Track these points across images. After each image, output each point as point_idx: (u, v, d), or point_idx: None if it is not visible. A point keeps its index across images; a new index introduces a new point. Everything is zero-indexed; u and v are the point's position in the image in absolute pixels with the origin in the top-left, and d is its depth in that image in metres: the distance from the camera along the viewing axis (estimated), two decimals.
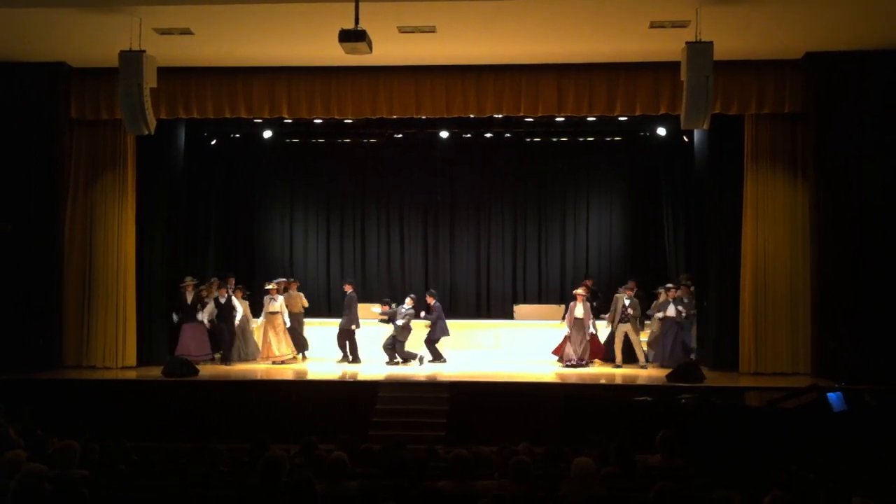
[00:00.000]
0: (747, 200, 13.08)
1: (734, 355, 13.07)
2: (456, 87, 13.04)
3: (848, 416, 8.57)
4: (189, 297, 14.01)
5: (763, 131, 13.06)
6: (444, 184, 17.72)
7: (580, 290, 14.00)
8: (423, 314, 14.47)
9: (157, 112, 11.85)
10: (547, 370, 13.54)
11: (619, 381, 12.89)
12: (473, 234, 17.85)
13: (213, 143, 16.57)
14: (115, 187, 13.60)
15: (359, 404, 11.65)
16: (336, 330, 14.50)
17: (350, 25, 9.39)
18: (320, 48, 11.67)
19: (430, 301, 14.45)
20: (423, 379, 12.73)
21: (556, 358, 14.08)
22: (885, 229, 12.22)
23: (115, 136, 13.55)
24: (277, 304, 14.38)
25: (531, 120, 14.99)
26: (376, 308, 14.59)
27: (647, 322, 14.35)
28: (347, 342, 14.37)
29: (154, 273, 14.02)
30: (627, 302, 13.91)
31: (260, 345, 14.73)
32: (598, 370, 13.62)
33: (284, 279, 15.16)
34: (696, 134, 14.28)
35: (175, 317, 14.06)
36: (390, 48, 11.70)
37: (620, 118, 14.29)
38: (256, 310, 14.95)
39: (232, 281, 14.75)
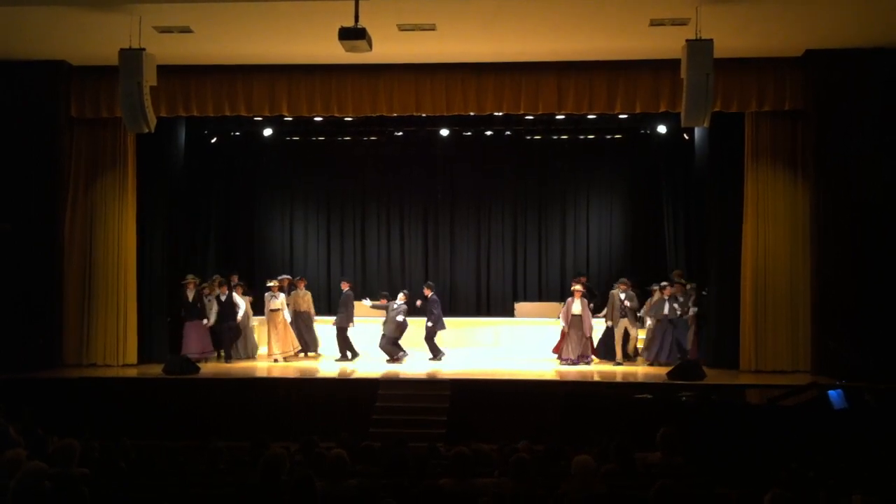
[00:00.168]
0: (748, 199, 13.08)
1: (734, 353, 13.07)
2: (456, 85, 13.04)
3: (848, 413, 8.57)
4: (191, 295, 14.01)
5: (763, 129, 13.05)
6: (445, 182, 17.72)
7: (578, 287, 13.98)
8: (418, 302, 14.45)
9: (157, 110, 11.85)
10: (547, 368, 13.53)
11: (619, 378, 12.89)
12: (474, 231, 17.86)
13: (214, 141, 16.58)
14: (116, 186, 13.61)
15: (359, 402, 11.65)
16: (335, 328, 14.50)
17: (350, 23, 9.39)
18: (320, 46, 11.67)
19: (428, 293, 14.43)
20: (423, 377, 12.73)
21: (557, 356, 14.08)
22: (885, 229, 12.22)
23: (116, 134, 13.55)
24: (279, 301, 14.39)
25: (531, 118, 15.00)
26: (367, 301, 14.59)
27: (642, 323, 14.30)
28: (341, 340, 14.35)
29: (154, 271, 14.03)
30: (623, 297, 13.90)
31: (260, 342, 14.71)
32: (598, 368, 13.61)
33: (287, 277, 15.15)
34: (697, 132, 14.29)
35: (168, 318, 14.02)
36: (390, 46, 11.70)
37: (621, 116, 14.32)
38: (257, 308, 14.95)
39: (234, 278, 14.75)
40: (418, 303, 14.57)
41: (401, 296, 14.30)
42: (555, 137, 16.73)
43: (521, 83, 12.96)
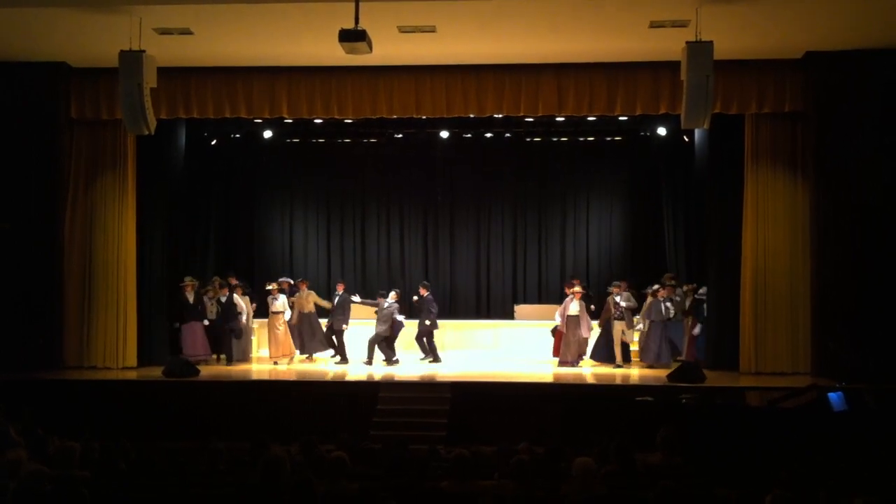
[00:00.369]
0: (747, 200, 13.07)
1: (734, 355, 13.07)
2: (456, 86, 13.04)
3: (848, 415, 8.57)
4: (190, 298, 13.99)
5: (763, 131, 13.05)
6: (445, 183, 17.74)
7: (577, 288, 13.96)
8: (416, 299, 14.42)
9: (157, 112, 11.84)
10: (547, 370, 13.54)
11: (618, 381, 12.89)
12: (473, 233, 17.88)
13: (214, 142, 16.58)
14: (116, 187, 13.59)
15: (360, 404, 11.66)
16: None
17: (350, 25, 9.39)
18: (320, 48, 11.67)
19: (424, 292, 14.41)
20: (424, 379, 12.73)
21: (557, 359, 14.07)
22: (885, 230, 12.21)
23: (116, 135, 13.53)
24: (279, 303, 14.37)
25: (531, 120, 15.00)
26: (356, 298, 14.55)
27: (636, 328, 14.29)
28: (337, 342, 14.33)
29: (154, 273, 14.00)
30: (618, 299, 13.88)
31: (261, 345, 14.68)
32: (597, 370, 13.61)
33: (288, 280, 15.11)
34: (697, 133, 14.30)
35: (176, 324, 13.99)
36: (390, 48, 11.70)
37: (621, 118, 14.31)
38: (259, 309, 14.93)
39: (233, 280, 14.72)
40: (415, 299, 14.51)
41: (392, 294, 14.25)
42: (555, 139, 16.74)
43: (521, 84, 12.96)
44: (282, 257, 17.90)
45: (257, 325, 14.98)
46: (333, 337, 14.39)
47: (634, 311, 14.07)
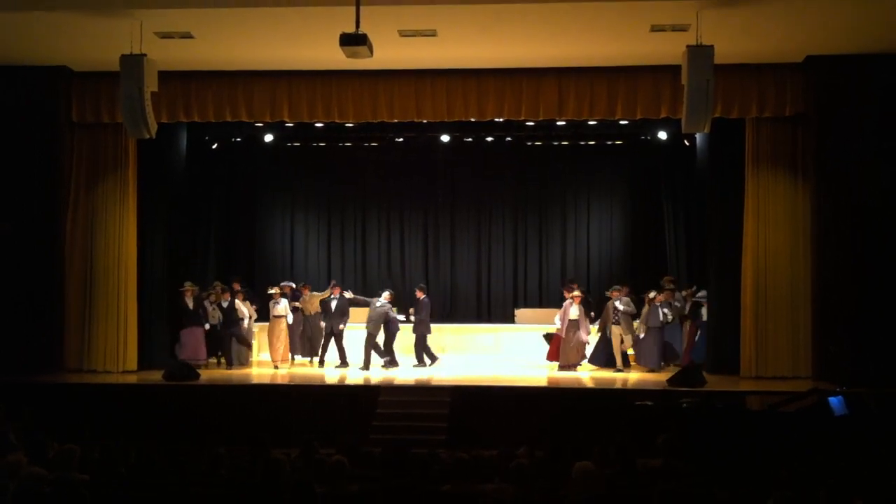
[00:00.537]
0: (748, 204, 13.07)
1: (735, 359, 13.05)
2: (457, 90, 13.05)
3: (849, 419, 8.56)
4: (190, 303, 13.97)
5: (764, 135, 13.04)
6: (445, 187, 17.75)
7: (577, 293, 13.95)
8: (411, 310, 14.30)
9: (158, 116, 11.86)
10: (547, 374, 13.52)
11: (619, 385, 12.87)
12: (474, 237, 17.88)
13: (215, 146, 16.58)
14: (117, 190, 13.60)
15: (359, 408, 11.64)
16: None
17: (351, 29, 9.39)
18: (321, 52, 11.67)
19: (420, 295, 14.36)
20: (423, 383, 12.71)
21: (556, 363, 14.04)
22: (886, 234, 12.22)
23: (117, 139, 13.55)
24: (280, 307, 14.36)
25: (532, 124, 14.99)
26: (348, 293, 14.48)
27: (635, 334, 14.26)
28: (336, 344, 14.31)
29: (155, 276, 14.01)
30: (617, 303, 13.86)
31: (261, 349, 14.66)
32: (597, 374, 13.60)
33: (290, 284, 15.07)
34: (698, 137, 14.28)
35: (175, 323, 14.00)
36: (391, 52, 11.70)
37: (621, 122, 14.29)
38: (261, 314, 14.89)
39: (237, 285, 14.70)
40: (411, 311, 14.35)
41: (386, 294, 14.14)
42: (555, 143, 16.74)
43: (521, 88, 12.96)
44: (282, 261, 17.90)
45: (258, 328, 14.97)
46: (333, 339, 14.36)
47: (634, 315, 14.05)
